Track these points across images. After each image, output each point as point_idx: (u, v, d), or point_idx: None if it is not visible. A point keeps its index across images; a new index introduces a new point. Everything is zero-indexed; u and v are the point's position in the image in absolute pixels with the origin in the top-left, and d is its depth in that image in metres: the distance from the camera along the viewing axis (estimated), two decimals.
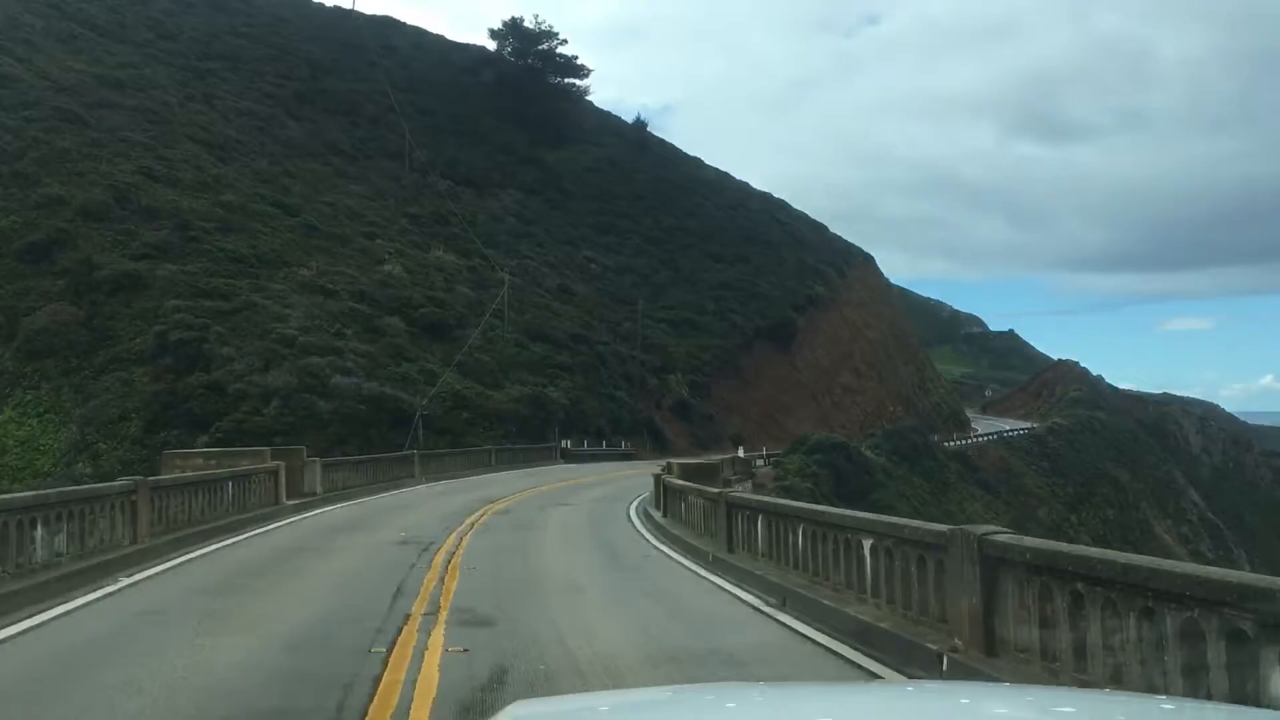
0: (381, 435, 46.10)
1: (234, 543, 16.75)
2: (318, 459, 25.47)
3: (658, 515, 21.25)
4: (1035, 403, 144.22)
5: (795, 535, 11.40)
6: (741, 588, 11.99)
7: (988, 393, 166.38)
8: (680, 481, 19.22)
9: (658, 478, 25.90)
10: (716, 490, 14.31)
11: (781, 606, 10.69)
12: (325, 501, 24.51)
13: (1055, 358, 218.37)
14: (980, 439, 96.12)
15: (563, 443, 54.29)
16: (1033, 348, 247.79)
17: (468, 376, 54.81)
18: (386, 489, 30.33)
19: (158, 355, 47.40)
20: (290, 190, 71.60)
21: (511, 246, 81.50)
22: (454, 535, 17.69)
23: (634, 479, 43.75)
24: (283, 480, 21.08)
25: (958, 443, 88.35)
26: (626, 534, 19.91)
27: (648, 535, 19.25)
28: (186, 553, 14.97)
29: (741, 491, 13.21)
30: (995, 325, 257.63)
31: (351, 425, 45.89)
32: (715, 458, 48.12)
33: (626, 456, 61.23)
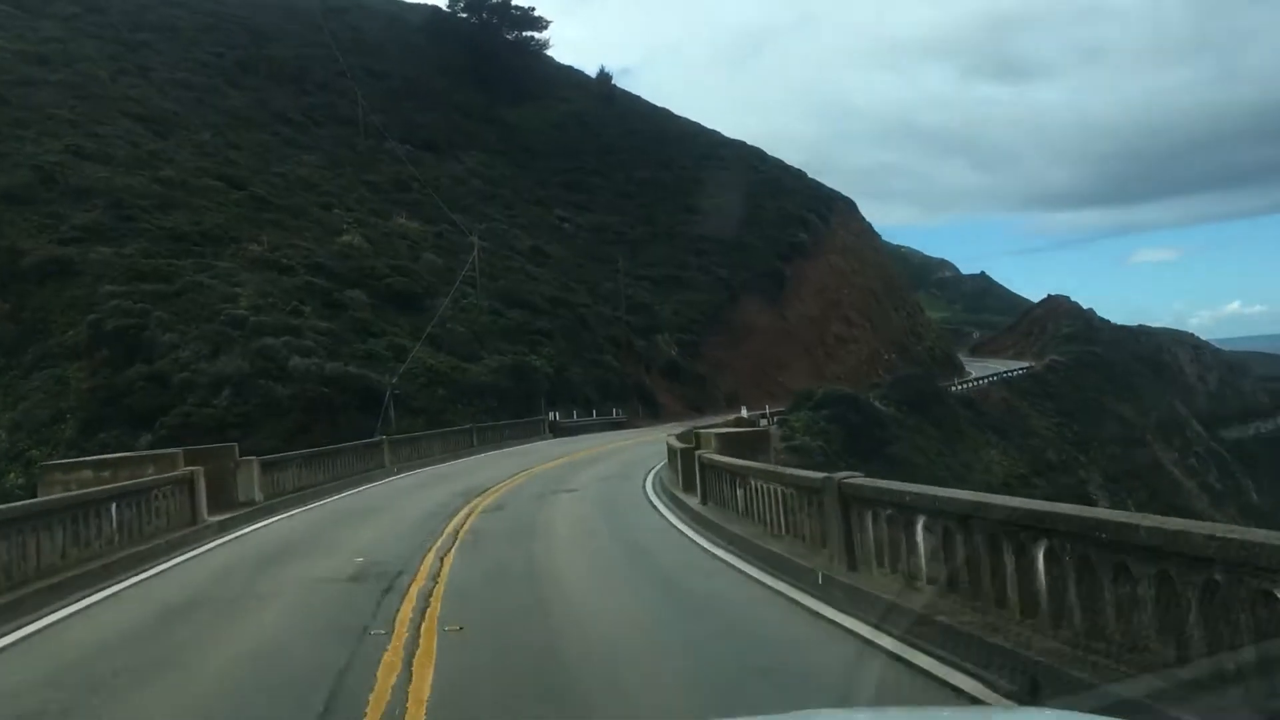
0: (350, 420, 41.47)
1: (93, 602, 11.11)
2: (254, 458, 20.44)
3: (693, 502, 16.83)
4: (1026, 341, 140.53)
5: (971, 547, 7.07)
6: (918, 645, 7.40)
7: (975, 335, 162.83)
8: (729, 460, 14.67)
9: (675, 450, 21.57)
10: (820, 477, 9.67)
11: None
12: (266, 512, 19.61)
13: (1027, 297, 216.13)
14: (980, 382, 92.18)
15: (550, 415, 49.78)
16: (1005, 288, 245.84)
17: (441, 350, 50.14)
18: (350, 486, 25.72)
19: (93, 347, 42.48)
20: (236, 163, 66.31)
21: (478, 210, 76.51)
22: (431, 556, 12.95)
23: (635, 449, 39.45)
24: (202, 490, 16.13)
25: (958, 387, 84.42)
26: (664, 534, 15.34)
27: (693, 534, 14.63)
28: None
29: (861, 477, 8.59)
30: (966, 269, 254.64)
31: (315, 411, 41.20)
32: (744, 420, 43.88)
33: (617, 425, 56.96)
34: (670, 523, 16.19)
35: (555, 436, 48.10)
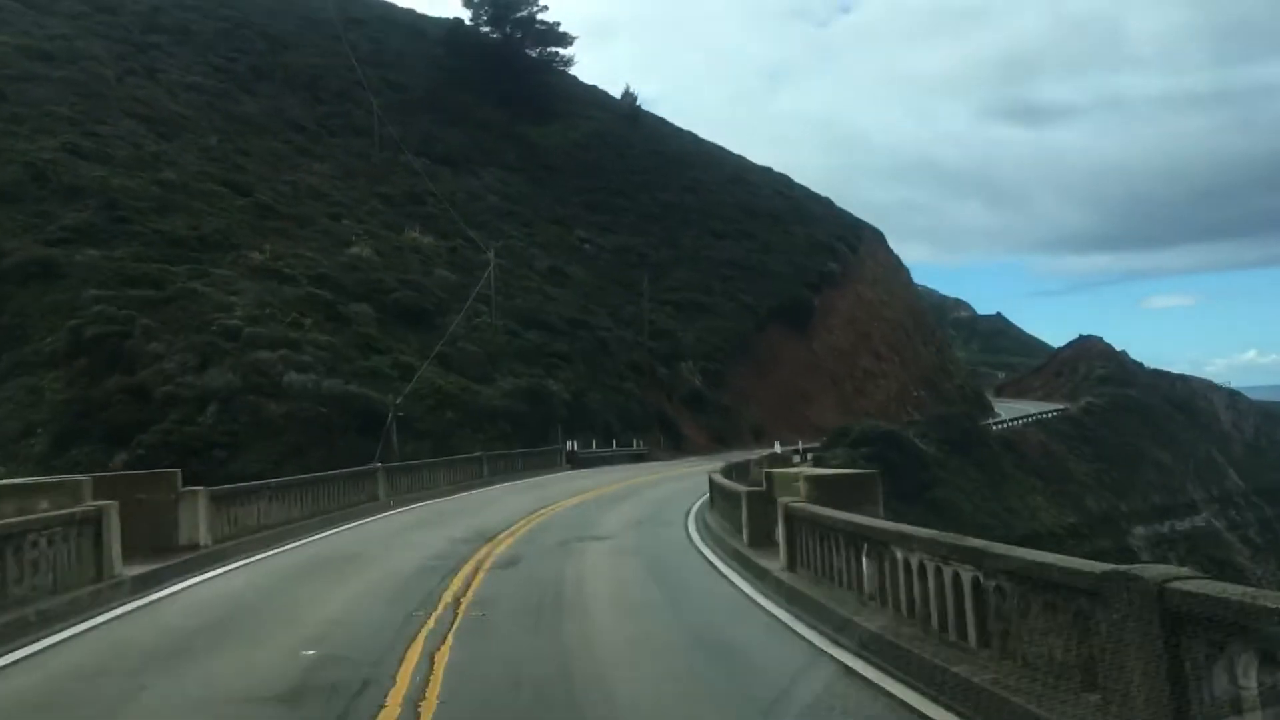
0: (349, 443, 37.74)
1: None
2: (201, 489, 15.87)
3: (772, 566, 12.91)
4: (1056, 382, 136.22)
5: None
6: None
7: (1000, 375, 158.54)
8: (841, 517, 10.46)
9: (733, 492, 17.93)
10: (1097, 571, 5.43)
11: None
12: (213, 560, 15.26)
13: (1042, 339, 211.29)
14: (1016, 423, 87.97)
15: (567, 444, 45.95)
16: (1020, 329, 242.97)
17: (451, 370, 46.39)
18: (333, 523, 21.35)
19: (72, 355, 38.85)
20: (243, 168, 62.99)
21: (495, 227, 72.93)
22: (417, 648, 8.99)
23: (664, 485, 35.69)
24: (114, 533, 11.83)
25: (997, 427, 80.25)
26: (746, 616, 11.07)
27: (789, 619, 10.31)
28: None
29: (1200, 579, 4.68)
30: (981, 309, 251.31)
31: (311, 431, 37.46)
32: (778, 456, 40.08)
33: (639, 457, 53.11)
34: (746, 595, 12.24)
35: (573, 468, 44.25)
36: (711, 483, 24.05)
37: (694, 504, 28.48)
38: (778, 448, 48.39)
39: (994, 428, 77.14)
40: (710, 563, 15.22)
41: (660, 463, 52.81)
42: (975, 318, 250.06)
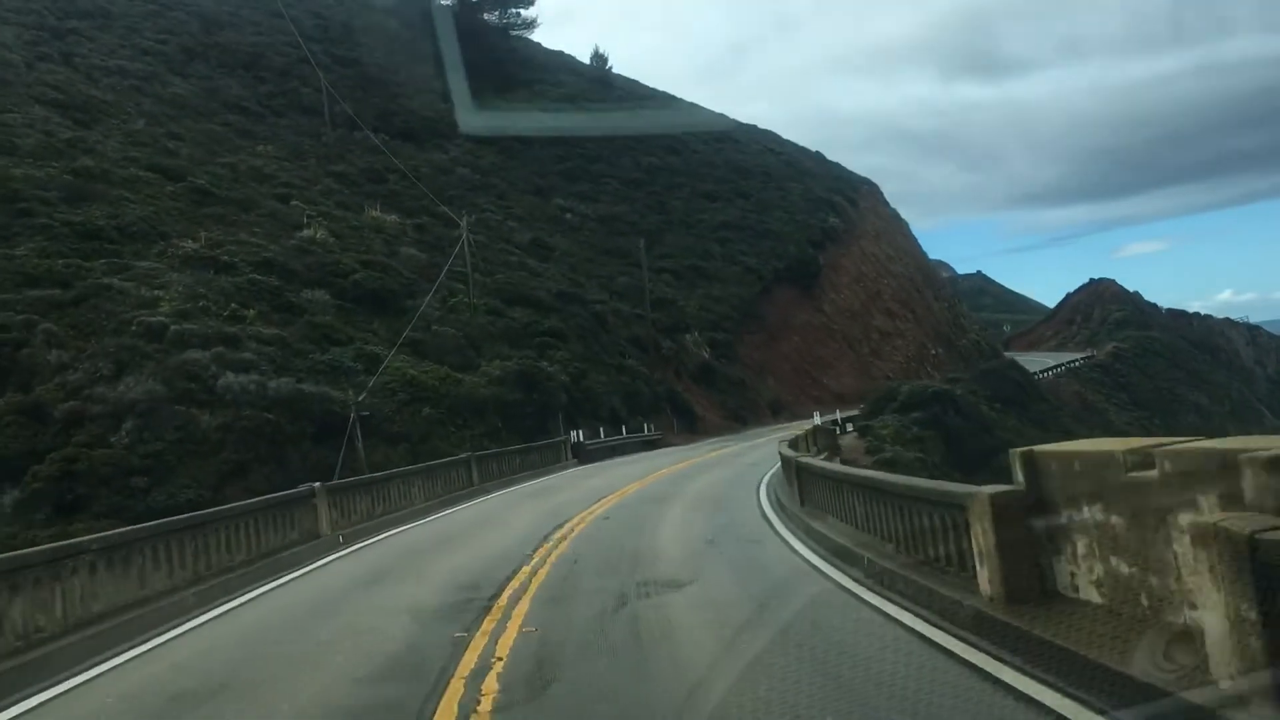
0: (305, 454, 30.63)
1: None
2: None
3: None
4: (1069, 330, 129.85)
5: None
6: None
7: (1006, 329, 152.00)
8: None
9: (791, 461, 11.53)
10: None
11: None
12: None
13: (1023, 294, 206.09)
14: (1044, 375, 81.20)
15: (572, 435, 38.63)
16: (1002, 286, 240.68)
17: (427, 358, 39.09)
18: (242, 585, 13.43)
19: None
20: (174, 153, 55.29)
21: (467, 200, 65.54)
22: None
23: (702, 477, 28.77)
24: None
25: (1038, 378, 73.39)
26: None
27: None
28: None
29: None
30: (961, 269, 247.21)
31: (255, 445, 30.10)
32: (821, 429, 32.95)
33: (651, 443, 46.07)
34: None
35: (580, 463, 37.07)
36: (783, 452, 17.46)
37: (758, 493, 21.79)
38: (817, 419, 41.32)
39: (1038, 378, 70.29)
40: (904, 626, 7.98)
41: (678, 448, 45.75)
42: (956, 278, 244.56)
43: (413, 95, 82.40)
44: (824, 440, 27.68)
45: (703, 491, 24.07)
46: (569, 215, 71.31)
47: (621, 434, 44.13)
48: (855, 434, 40.71)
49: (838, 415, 43.95)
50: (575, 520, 18.62)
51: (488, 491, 27.12)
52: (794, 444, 23.41)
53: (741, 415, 58.20)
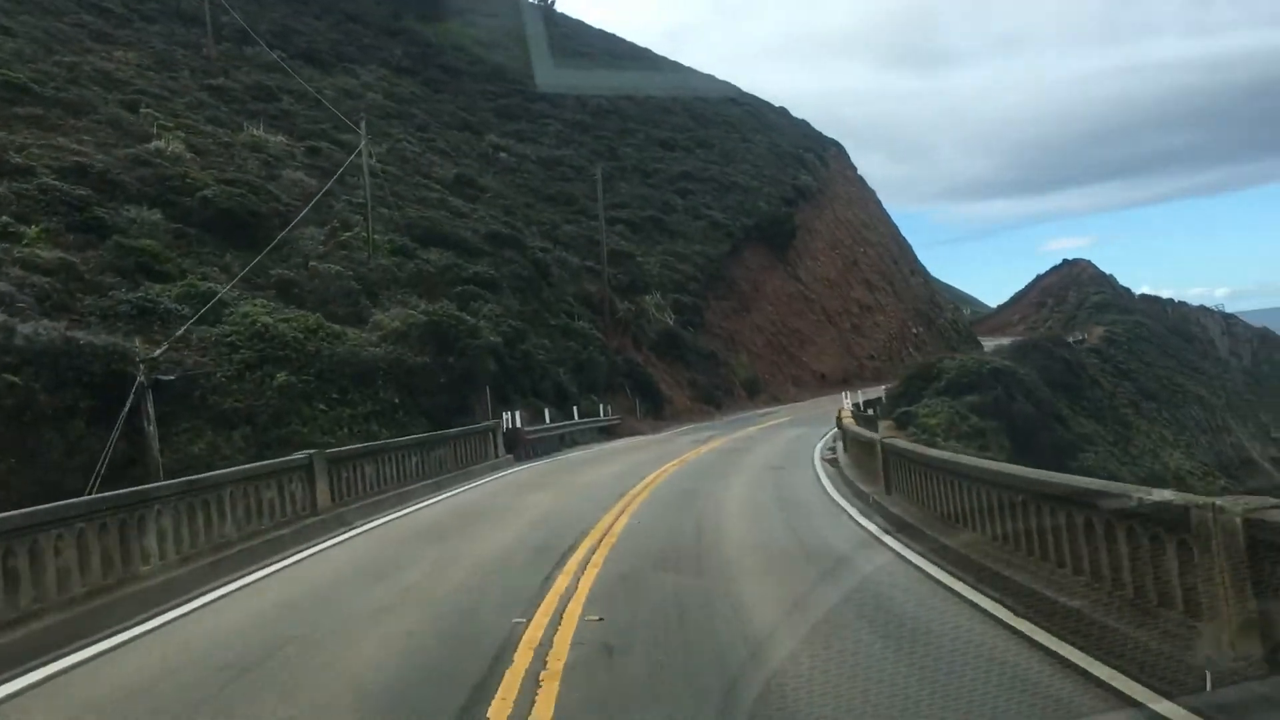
0: (69, 440, 18.95)
1: None
2: None
3: None
4: (1039, 313, 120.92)
5: None
6: None
7: (966, 311, 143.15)
8: None
9: None
10: None
11: None
12: None
13: (955, 285, 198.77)
14: None
15: (506, 417, 26.72)
16: (935, 279, 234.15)
17: (302, 305, 27.28)
18: None
19: None
20: None
21: (377, 127, 53.39)
22: None
23: (730, 500, 17.60)
24: None
25: None
26: None
27: None
28: None
29: None
30: None
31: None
32: (863, 416, 21.77)
33: (607, 430, 34.79)
34: None
35: (518, 460, 25.46)
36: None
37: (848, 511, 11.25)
38: (846, 402, 30.25)
39: None
40: None
41: (643, 440, 34.56)
42: None
43: (319, 15, 69.87)
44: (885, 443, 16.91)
45: (766, 533, 13.11)
46: (503, 154, 59.49)
47: (573, 417, 32.71)
48: (891, 423, 29.78)
49: (857, 398, 32.86)
50: (515, 666, 7.37)
51: (345, 525, 15.15)
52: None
53: (714, 396, 47.17)
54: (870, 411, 33.10)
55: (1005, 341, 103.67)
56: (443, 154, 55.06)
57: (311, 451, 14.47)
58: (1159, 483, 27.80)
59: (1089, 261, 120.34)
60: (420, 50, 71.81)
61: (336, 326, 25.26)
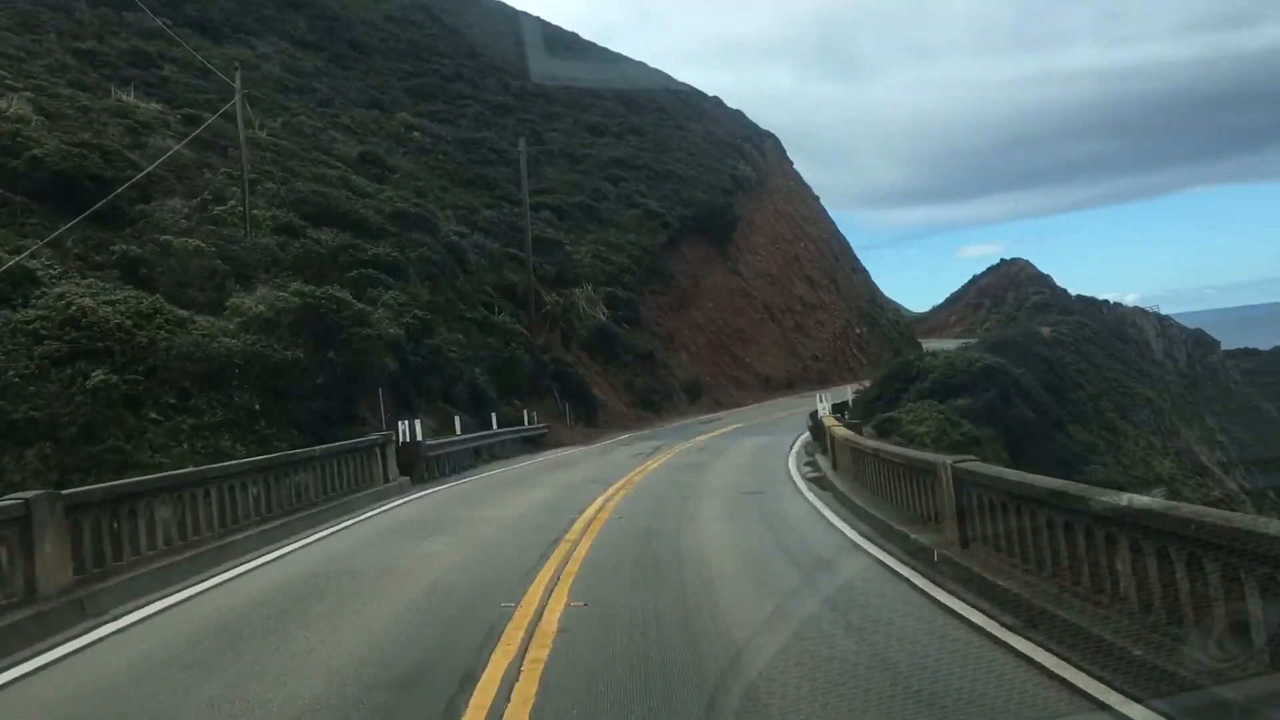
0: None
1: None
2: None
3: None
4: (976, 315, 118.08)
5: None
6: None
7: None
8: None
9: None
10: None
11: None
12: None
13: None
14: None
15: (402, 428, 21.01)
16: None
17: (147, 287, 21.58)
18: None
19: None
20: None
21: (273, 102, 47.67)
22: None
23: (710, 541, 11.85)
24: None
25: None
26: None
27: None
28: None
29: None
30: None
31: None
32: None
33: (533, 441, 29.51)
34: None
35: (417, 485, 19.85)
36: None
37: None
38: (823, 404, 25.27)
39: None
40: None
41: (577, 450, 29.47)
42: None
43: None
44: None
45: (796, 623, 7.73)
46: (417, 134, 53.86)
47: (491, 426, 27.33)
48: (871, 432, 25.00)
49: (824, 401, 28.00)
50: None
51: (94, 617, 9.20)
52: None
53: (653, 400, 42.17)
54: (842, 417, 28.41)
55: (949, 344, 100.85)
56: (347, 131, 49.35)
57: (32, 494, 8.68)
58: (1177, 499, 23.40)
59: (1027, 261, 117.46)
60: (327, 24, 65.80)
61: (182, 312, 19.65)
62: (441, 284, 32.20)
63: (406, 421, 20.52)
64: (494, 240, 41.02)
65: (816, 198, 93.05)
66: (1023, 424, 26.97)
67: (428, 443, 21.13)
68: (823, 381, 62.15)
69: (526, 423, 30.12)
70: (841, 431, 18.29)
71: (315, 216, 32.11)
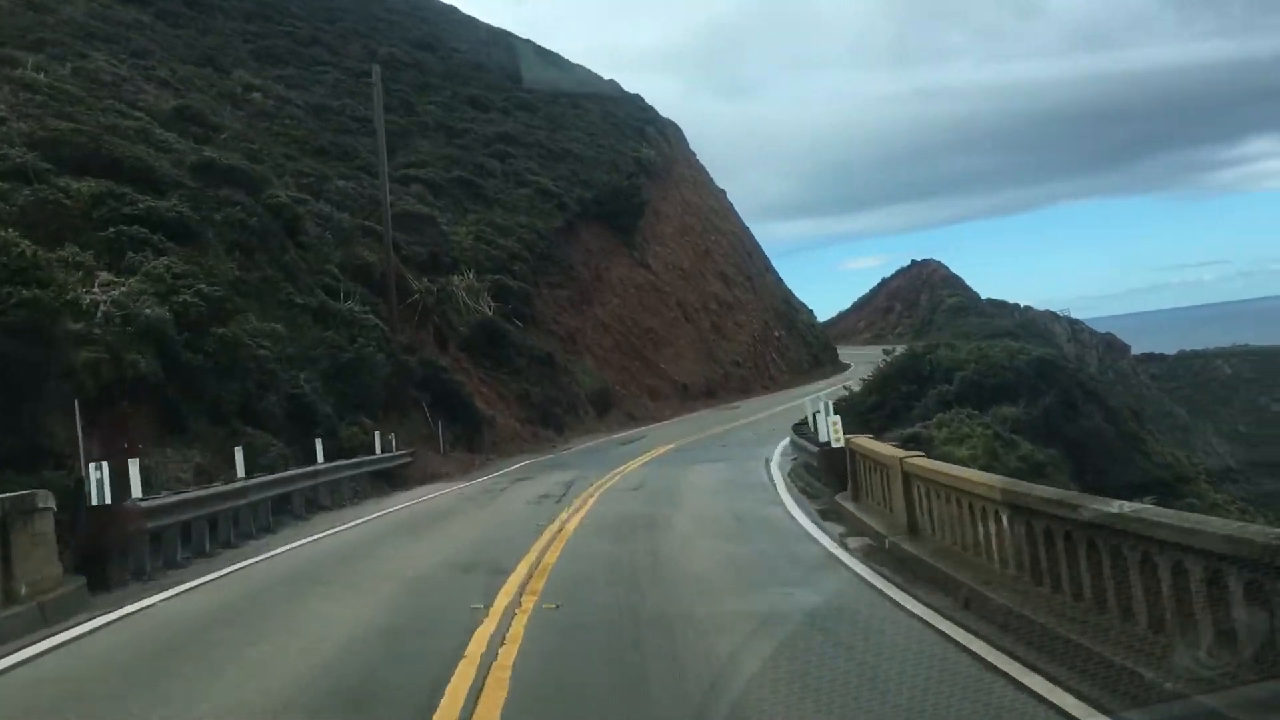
0: None
1: None
2: None
3: None
4: (886, 319, 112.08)
5: None
6: None
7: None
8: None
9: None
10: None
11: None
12: None
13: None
14: None
15: (96, 474, 11.27)
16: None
17: None
18: None
19: None
20: None
21: (66, 45, 37.70)
22: None
23: None
24: None
25: None
26: None
27: None
28: None
29: None
30: None
31: None
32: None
33: (389, 476, 20.27)
34: None
35: (94, 597, 10.25)
36: None
37: None
38: (831, 421, 16.52)
39: None
40: None
41: (450, 491, 20.70)
42: None
43: None
44: None
45: None
46: (258, 95, 44.20)
47: (316, 459, 18.19)
48: (896, 446, 16.67)
49: (826, 408, 19.54)
50: None
51: None
52: None
53: (553, 415, 33.36)
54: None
55: (861, 351, 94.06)
56: (164, 85, 39.52)
57: None
58: None
59: (940, 262, 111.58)
60: None
61: None
62: (259, 257, 22.99)
63: (95, 466, 11.04)
64: (346, 213, 31.82)
65: (723, 191, 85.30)
66: (1094, 440, 19.30)
67: (148, 502, 11.70)
68: (744, 390, 54.18)
69: (379, 450, 21.09)
70: (915, 462, 10.03)
71: (75, 162, 22.60)
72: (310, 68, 53.63)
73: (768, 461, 21.46)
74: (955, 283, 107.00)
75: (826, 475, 14.81)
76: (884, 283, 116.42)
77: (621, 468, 22.28)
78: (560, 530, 13.22)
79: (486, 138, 52.29)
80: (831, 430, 14.92)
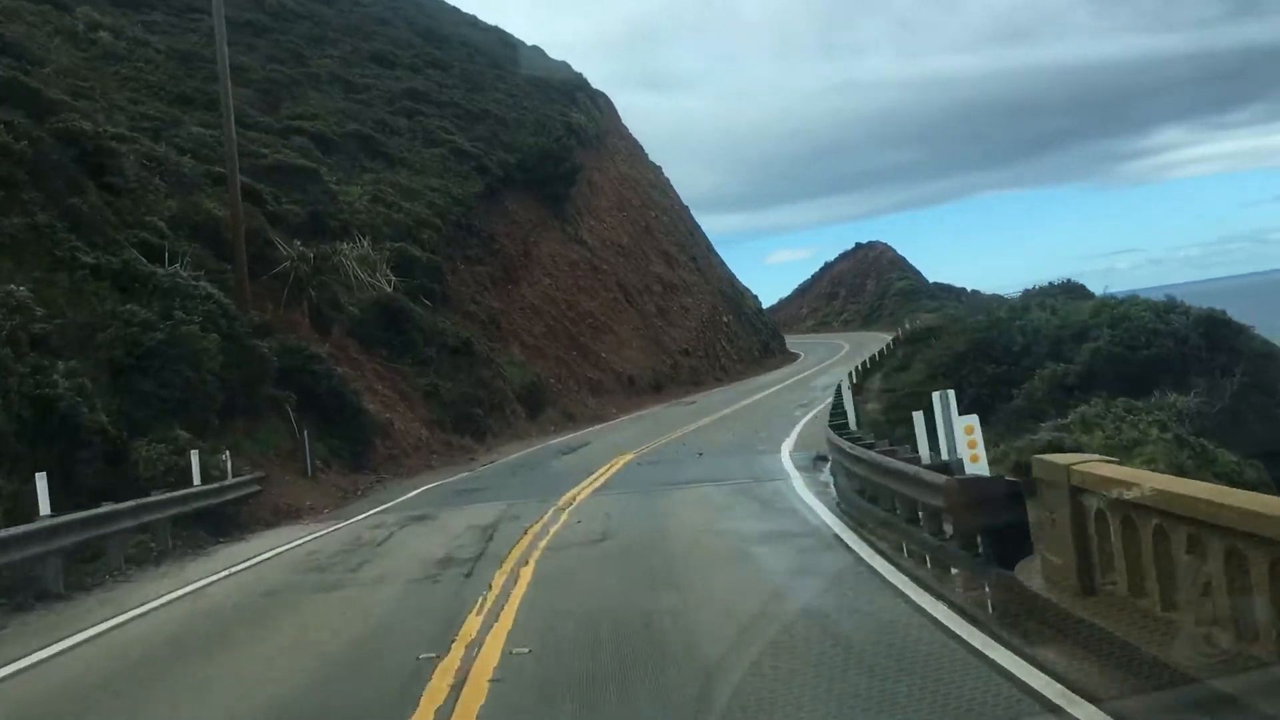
0: None
1: None
2: None
3: None
4: (831, 306, 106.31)
5: None
6: None
7: None
8: None
9: None
10: None
11: None
12: None
13: None
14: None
15: None
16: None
17: None
18: None
19: None
20: None
21: None
22: None
23: None
24: None
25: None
26: None
27: None
28: None
29: None
30: None
31: None
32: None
33: (218, 516, 12.66)
34: None
35: None
36: None
37: None
38: (969, 444, 9.62)
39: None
40: None
41: (305, 542, 13.27)
42: None
43: None
44: None
45: None
46: (105, 35, 36.42)
47: (39, 510, 11.00)
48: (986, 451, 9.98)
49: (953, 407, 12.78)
50: None
51: None
52: None
53: (473, 418, 26.28)
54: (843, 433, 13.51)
55: (806, 340, 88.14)
56: None
57: None
58: None
59: (886, 244, 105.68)
60: None
61: None
62: (27, 195, 15.59)
63: None
64: (193, 158, 24.40)
65: (659, 168, 78.50)
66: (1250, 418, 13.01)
67: None
68: (695, 381, 47.55)
69: (198, 479, 13.93)
70: None
71: None
72: (182, 14, 45.79)
73: (783, 483, 14.72)
74: (903, 265, 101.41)
75: (960, 523, 7.97)
76: (827, 267, 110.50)
77: (570, 493, 15.37)
78: (465, 673, 6.28)
79: (392, 94, 44.99)
80: (967, 445, 8.21)
